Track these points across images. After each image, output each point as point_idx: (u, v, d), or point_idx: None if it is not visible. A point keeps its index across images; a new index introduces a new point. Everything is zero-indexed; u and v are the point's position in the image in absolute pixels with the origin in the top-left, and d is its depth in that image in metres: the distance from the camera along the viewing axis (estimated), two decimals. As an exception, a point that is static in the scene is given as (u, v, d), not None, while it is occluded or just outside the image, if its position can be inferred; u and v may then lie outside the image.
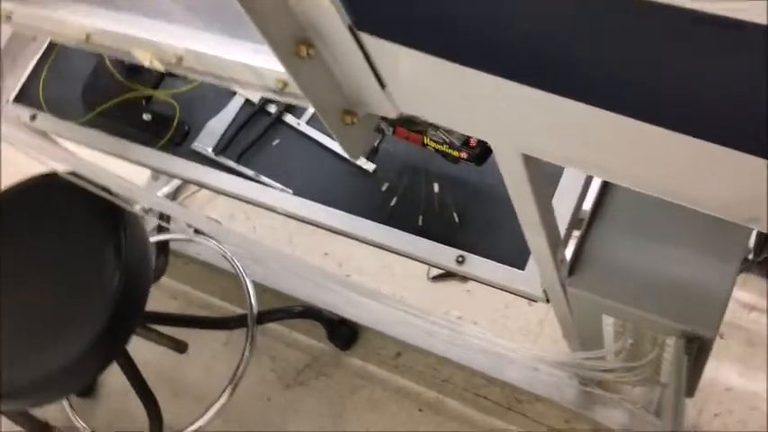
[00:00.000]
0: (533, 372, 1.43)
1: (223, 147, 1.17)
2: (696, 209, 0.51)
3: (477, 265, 0.99)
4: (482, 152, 0.97)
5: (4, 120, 1.25)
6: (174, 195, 1.91)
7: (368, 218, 1.05)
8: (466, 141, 0.97)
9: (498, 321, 1.59)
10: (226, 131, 1.18)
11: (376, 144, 1.10)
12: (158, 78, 1.25)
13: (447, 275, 1.67)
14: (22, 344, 1.18)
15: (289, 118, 1.17)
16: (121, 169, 1.20)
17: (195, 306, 1.85)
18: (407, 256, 1.04)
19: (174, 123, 1.20)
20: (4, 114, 1.29)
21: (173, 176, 1.19)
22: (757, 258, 1.29)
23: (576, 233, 0.92)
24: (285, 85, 0.62)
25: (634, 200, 0.90)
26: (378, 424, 1.59)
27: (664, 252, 0.85)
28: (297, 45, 0.50)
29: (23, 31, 1.20)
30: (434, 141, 0.99)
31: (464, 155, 0.97)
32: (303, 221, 1.10)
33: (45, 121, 1.29)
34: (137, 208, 1.69)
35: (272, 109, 1.18)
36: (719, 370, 1.41)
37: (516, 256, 0.97)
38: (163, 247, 1.64)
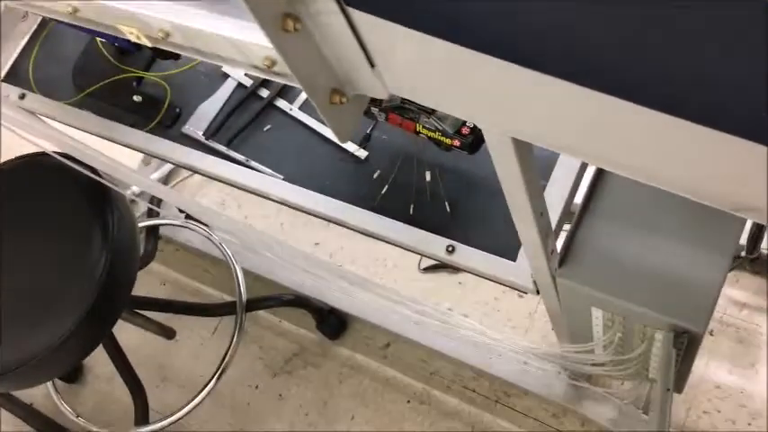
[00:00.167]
0: (522, 366, 1.43)
1: (214, 131, 1.15)
2: (692, 199, 0.50)
3: (467, 255, 0.98)
4: (475, 140, 0.96)
5: (-7, 98, 1.24)
6: (165, 181, 1.89)
7: (358, 205, 1.04)
8: (459, 129, 0.96)
9: (488, 314, 1.59)
10: (217, 115, 1.17)
11: (368, 131, 1.09)
12: (149, 60, 1.24)
13: (438, 267, 1.66)
14: (6, 325, 1.17)
15: (281, 103, 1.15)
16: (113, 153, 1.19)
17: (185, 293, 1.84)
18: (397, 245, 1.03)
19: (165, 106, 1.19)
20: (-8, 93, 1.28)
21: (162, 159, 1.18)
22: (749, 256, 1.28)
23: (567, 227, 0.91)
24: (273, 63, 0.61)
25: (626, 193, 0.89)
26: (364, 414, 1.59)
27: (655, 245, 0.84)
28: (284, 19, 0.49)
29: (13, 5, 1.19)
30: (427, 129, 0.98)
31: (457, 143, 0.96)
32: (293, 208, 1.09)
33: (34, 100, 1.27)
34: (128, 192, 1.68)
35: (264, 93, 1.16)
36: (709, 367, 1.41)
37: (507, 247, 0.96)
38: (153, 231, 1.62)
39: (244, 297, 1.50)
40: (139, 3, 0.65)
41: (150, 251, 1.58)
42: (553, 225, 0.88)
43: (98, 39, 1.24)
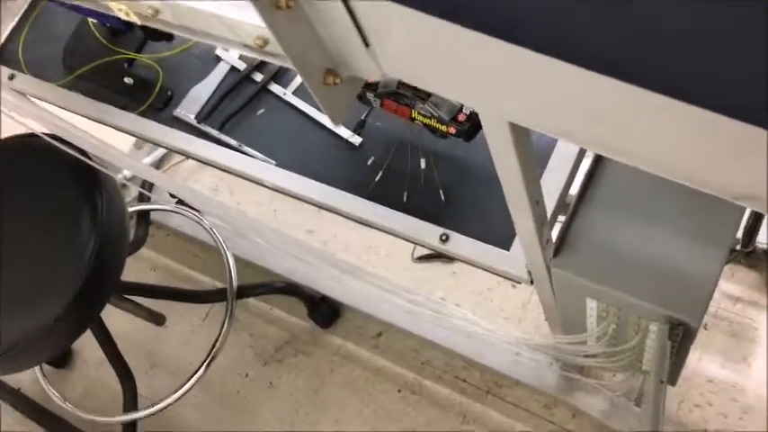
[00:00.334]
0: (514, 356, 1.42)
1: (206, 114, 1.14)
2: (691, 186, 0.49)
3: (461, 244, 0.96)
4: (471, 128, 0.95)
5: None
6: (156, 165, 1.87)
7: (352, 192, 1.03)
8: (455, 116, 0.95)
9: (481, 304, 1.58)
10: (209, 99, 1.15)
11: (363, 117, 1.08)
12: (141, 42, 1.22)
13: (432, 256, 1.65)
14: (-7, 308, 1.15)
15: (275, 87, 1.14)
16: (105, 136, 1.17)
17: (175, 279, 1.82)
18: (390, 233, 1.01)
19: (157, 89, 1.17)
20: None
21: (152, 143, 1.16)
22: (745, 249, 1.28)
23: (562, 218, 0.90)
24: (265, 42, 0.59)
25: (623, 183, 0.88)
26: (355, 403, 1.58)
27: (651, 236, 0.83)
28: (277, -5, 0.47)
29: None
30: (422, 115, 0.96)
31: (452, 130, 0.95)
32: (285, 194, 1.08)
33: (24, 81, 1.25)
34: (119, 176, 1.67)
35: (258, 77, 1.15)
36: (702, 361, 1.40)
37: (501, 236, 0.95)
38: (143, 216, 1.61)
39: (235, 284, 1.49)
40: (129, -21, 0.63)
41: (141, 236, 1.56)
42: (549, 214, 0.87)
43: (89, 19, 1.22)
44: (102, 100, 1.19)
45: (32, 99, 1.25)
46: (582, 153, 0.96)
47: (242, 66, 1.16)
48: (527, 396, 1.48)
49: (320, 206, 1.05)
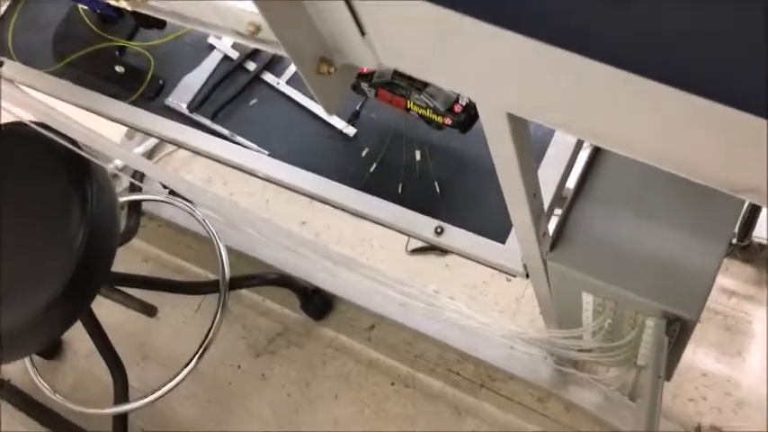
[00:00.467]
0: (508, 350, 1.42)
1: (198, 104, 1.12)
2: (690, 178, 0.48)
3: (456, 236, 0.95)
4: (467, 119, 0.94)
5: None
6: (148, 155, 1.86)
7: (346, 183, 1.02)
8: (450, 107, 0.93)
9: (475, 297, 1.57)
10: (202, 88, 1.14)
11: (358, 108, 1.06)
12: (133, 29, 1.20)
13: (426, 249, 1.64)
14: (-19, 299, 1.13)
15: (268, 77, 1.12)
16: (96, 126, 1.16)
17: (167, 270, 1.81)
18: (385, 225, 1.00)
19: (148, 77, 1.15)
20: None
21: (143, 132, 1.15)
22: (740, 243, 1.27)
23: (559, 211, 0.89)
24: (257, 29, 0.58)
25: (621, 176, 0.87)
26: (348, 396, 1.57)
27: (649, 230, 0.82)
28: (270, -20, 0.46)
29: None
30: (418, 106, 0.95)
31: (448, 121, 0.94)
32: (278, 185, 1.06)
33: (13, 69, 1.23)
34: (110, 166, 1.65)
35: (251, 66, 1.13)
36: (696, 355, 1.40)
37: (497, 229, 0.94)
38: (135, 207, 1.59)
39: (227, 275, 1.48)
40: (118, -37, 0.62)
41: (132, 227, 1.54)
42: (546, 206, 0.86)
43: (80, 6, 1.20)
44: (92, 88, 1.17)
45: (21, 87, 1.23)
46: (579, 146, 0.95)
47: (235, 54, 1.14)
48: (521, 390, 1.47)
49: (313, 197, 1.04)
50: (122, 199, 1.66)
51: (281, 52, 0.54)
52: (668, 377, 1.00)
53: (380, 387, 1.56)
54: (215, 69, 1.15)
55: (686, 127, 0.43)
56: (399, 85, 0.94)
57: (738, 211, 0.82)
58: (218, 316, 1.44)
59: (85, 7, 1.20)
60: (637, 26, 0.39)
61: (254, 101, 1.11)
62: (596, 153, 0.88)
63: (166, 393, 1.43)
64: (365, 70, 0.97)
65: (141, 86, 1.15)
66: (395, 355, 1.58)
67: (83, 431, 1.57)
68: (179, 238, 1.82)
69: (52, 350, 1.74)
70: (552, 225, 0.86)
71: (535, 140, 0.96)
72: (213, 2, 0.57)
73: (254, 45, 0.60)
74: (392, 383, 1.56)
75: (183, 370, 1.43)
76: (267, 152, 1.06)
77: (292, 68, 1.12)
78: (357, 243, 1.70)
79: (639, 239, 0.81)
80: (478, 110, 0.56)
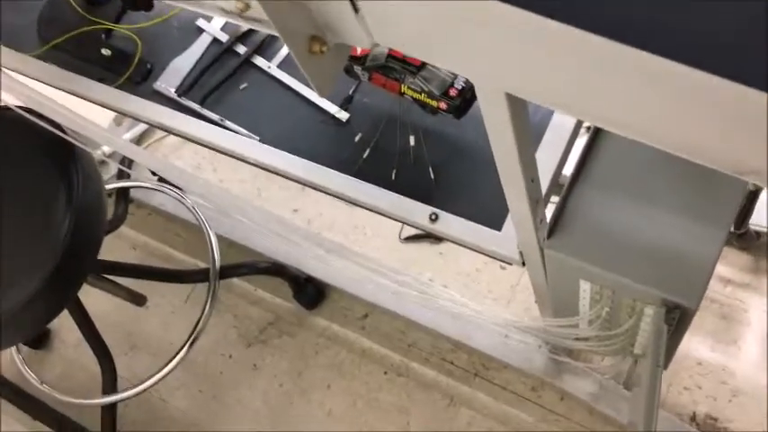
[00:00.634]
0: (502, 338, 1.40)
1: (187, 88, 1.10)
2: (689, 158, 0.46)
3: (451, 223, 0.93)
4: (462, 103, 0.92)
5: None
6: (137, 141, 1.83)
7: (338, 170, 0.99)
8: (446, 91, 0.91)
9: (469, 285, 1.55)
10: (191, 72, 1.11)
11: (351, 92, 1.04)
12: (120, 11, 1.17)
13: (419, 236, 1.62)
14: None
15: (259, 60, 1.10)
16: (83, 111, 1.13)
17: (156, 258, 1.78)
18: (378, 212, 0.98)
19: (135, 61, 1.13)
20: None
21: (131, 117, 1.12)
22: (737, 231, 1.26)
23: (556, 198, 0.87)
24: (246, 6, 0.55)
25: (619, 162, 0.85)
26: (340, 385, 1.56)
27: (648, 217, 0.81)
28: (259, -48, 0.43)
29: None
30: (412, 90, 0.93)
31: (443, 105, 0.92)
32: (269, 171, 1.04)
33: (-4, 52, 1.20)
34: (98, 152, 1.62)
35: (242, 50, 1.11)
36: (691, 343, 1.39)
37: (493, 216, 0.92)
38: (123, 194, 1.56)
39: (217, 264, 1.46)
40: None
41: (120, 214, 1.52)
42: (543, 192, 0.84)
43: (64, -14, 1.17)
44: (78, 72, 1.15)
45: (5, 71, 1.20)
46: (576, 130, 0.93)
47: (224, 37, 1.12)
48: (515, 379, 1.46)
49: (305, 184, 1.02)
50: (110, 186, 1.63)
51: (271, 31, 0.52)
52: (665, 366, 0.98)
53: (373, 376, 1.55)
54: (204, 53, 1.12)
55: (690, 105, 0.41)
56: (393, 68, 0.92)
57: (739, 198, 0.81)
58: (207, 305, 1.42)
59: (71, -11, 1.17)
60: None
61: (244, 85, 1.09)
62: (595, 138, 0.86)
63: (156, 383, 1.41)
64: (359, 53, 0.95)
65: (128, 70, 1.12)
66: (388, 345, 1.57)
67: (70, 421, 1.55)
68: (168, 226, 1.79)
69: (40, 340, 1.72)
70: (549, 212, 0.84)
71: (532, 125, 0.94)
72: (199, -24, 0.55)
73: (242, 24, 0.58)
74: (385, 372, 1.55)
75: (172, 359, 1.41)
76: (258, 138, 1.04)
77: (284, 52, 1.10)
78: (350, 231, 1.68)
79: (638, 226, 0.80)
80: (476, 91, 0.54)
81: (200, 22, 1.14)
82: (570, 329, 0.98)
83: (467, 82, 0.91)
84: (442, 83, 0.91)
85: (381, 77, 0.94)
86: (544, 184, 0.87)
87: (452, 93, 0.91)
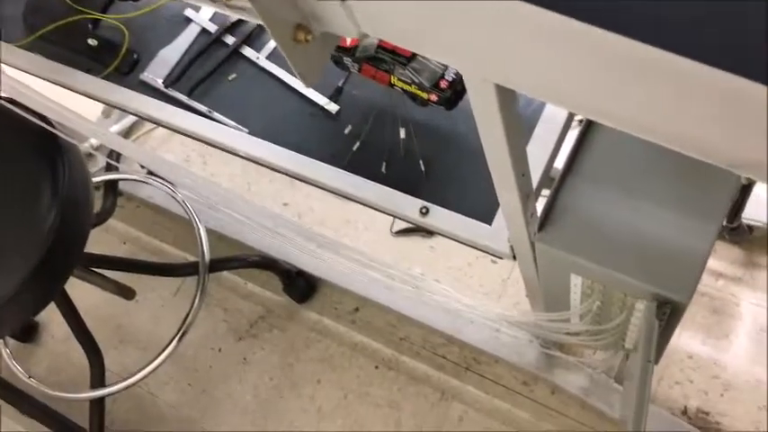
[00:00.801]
0: (493, 332, 1.40)
1: (174, 79, 1.08)
2: (685, 152, 0.45)
3: (441, 217, 0.92)
4: (453, 95, 0.91)
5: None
6: (125, 135, 1.81)
7: (328, 162, 0.98)
8: (436, 82, 0.90)
9: (461, 279, 1.55)
10: (178, 62, 1.10)
11: (340, 84, 1.03)
12: (107, 1, 1.15)
13: (410, 230, 1.61)
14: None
15: (247, 51, 1.08)
16: (72, 103, 1.11)
17: (146, 252, 1.77)
18: (368, 205, 0.97)
19: (123, 51, 1.11)
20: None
21: (117, 108, 1.10)
22: (729, 225, 1.25)
23: (547, 192, 0.86)
24: (231, -7, 0.54)
25: (611, 155, 0.84)
26: (331, 379, 1.55)
27: (639, 211, 0.80)
28: (240, -63, 0.42)
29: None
30: (402, 81, 0.92)
31: (433, 97, 0.91)
32: (258, 163, 1.03)
33: (-19, 42, 1.18)
34: (86, 145, 1.60)
35: (230, 40, 1.09)
36: (682, 337, 1.39)
37: (483, 209, 0.91)
38: (111, 187, 1.55)
39: (207, 257, 1.44)
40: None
41: (109, 207, 1.50)
42: (533, 186, 0.84)
43: (50, -24, 1.15)
44: (64, 62, 1.13)
45: (-10, 61, 1.19)
46: (568, 124, 0.92)
47: (213, 28, 1.10)
48: (506, 373, 1.46)
49: (294, 177, 1.01)
50: (98, 178, 1.61)
51: (255, 19, 0.51)
52: (656, 360, 0.98)
53: (364, 370, 1.54)
54: (192, 43, 1.11)
55: (682, 96, 0.40)
56: (383, 59, 0.91)
57: (731, 192, 0.80)
58: (197, 299, 1.41)
59: (57, -22, 1.15)
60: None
61: (232, 76, 1.08)
62: (586, 131, 0.85)
63: (144, 378, 1.40)
64: (348, 44, 0.93)
65: (115, 61, 1.11)
66: (379, 338, 1.56)
67: (59, 415, 1.53)
68: (157, 219, 1.78)
69: (28, 333, 1.71)
70: (540, 206, 0.83)
71: (523, 118, 0.93)
72: (181, -37, 0.53)
73: (227, 12, 0.57)
74: (376, 366, 1.54)
75: (161, 353, 1.40)
76: (246, 130, 1.03)
77: (273, 43, 1.09)
78: (341, 225, 1.67)
79: (630, 220, 0.79)
80: (465, 81, 0.53)
81: (189, 13, 1.12)
82: (561, 324, 0.97)
83: (458, 73, 0.90)
84: (433, 74, 0.90)
85: (371, 69, 0.93)
86: (535, 177, 0.86)
87: (443, 84, 0.90)
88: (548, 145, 0.90)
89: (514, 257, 0.90)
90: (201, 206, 1.52)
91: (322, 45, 0.55)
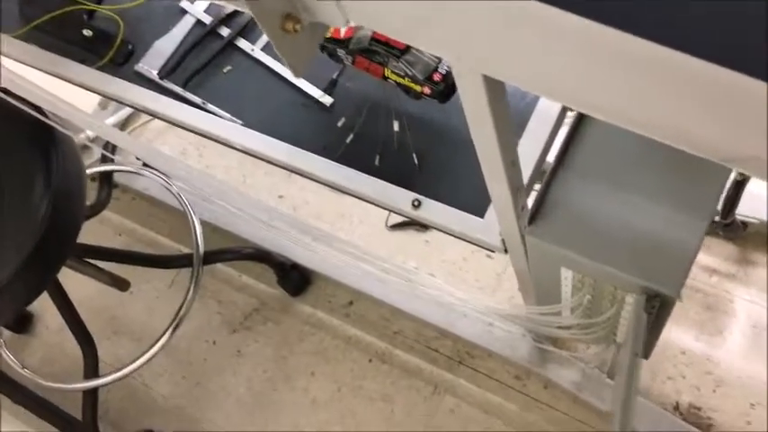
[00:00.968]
0: (487, 326, 1.40)
1: (169, 70, 1.08)
2: (679, 147, 0.45)
3: (433, 210, 0.93)
4: (446, 88, 0.91)
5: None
6: (121, 127, 1.81)
7: (321, 154, 0.98)
8: (429, 75, 0.90)
9: (455, 274, 1.55)
10: (173, 54, 1.10)
11: (335, 76, 1.03)
12: (102, -8, 1.15)
13: (406, 224, 1.61)
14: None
15: (242, 43, 1.08)
16: (69, 94, 1.11)
17: (141, 243, 1.77)
18: (361, 198, 0.97)
19: (118, 42, 1.11)
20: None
21: (111, 98, 1.10)
22: (723, 221, 1.25)
23: (539, 186, 0.87)
24: (220, -18, 0.54)
25: (603, 149, 0.84)
26: (325, 372, 1.55)
27: (630, 204, 0.80)
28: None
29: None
30: (396, 74, 0.92)
31: (427, 90, 0.91)
32: (251, 155, 1.03)
33: (-24, 32, 1.18)
34: (81, 136, 1.60)
35: (225, 32, 1.09)
36: (675, 333, 1.39)
37: (476, 203, 0.91)
38: (106, 178, 1.55)
39: (201, 249, 1.44)
40: None
41: (104, 198, 1.51)
42: (525, 180, 0.84)
43: (46, -34, 1.15)
44: (59, 53, 1.13)
45: (-15, 51, 1.18)
46: (561, 118, 0.92)
47: (208, 19, 1.10)
48: (499, 367, 1.46)
49: (288, 168, 1.01)
50: (94, 170, 1.61)
51: (242, 7, 0.51)
52: (646, 355, 0.98)
53: (358, 364, 1.54)
54: (187, 35, 1.11)
55: (675, 90, 0.40)
56: (377, 51, 0.91)
57: (722, 187, 0.80)
58: (190, 290, 1.41)
59: (52, -32, 1.15)
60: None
61: (227, 68, 1.08)
62: (578, 125, 0.85)
63: (138, 369, 1.40)
64: (342, 36, 0.93)
65: (110, 51, 1.10)
66: (373, 332, 1.56)
67: (52, 406, 1.54)
68: (153, 211, 1.78)
69: (23, 324, 1.71)
70: (532, 200, 0.83)
71: (516, 113, 0.93)
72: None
73: (219, 2, 0.57)
74: (370, 360, 1.54)
75: (154, 345, 1.40)
76: (241, 122, 1.03)
77: (267, 35, 1.08)
78: (336, 218, 1.67)
79: (620, 214, 0.79)
80: (452, 72, 0.53)
81: (184, 4, 1.12)
82: (552, 317, 0.97)
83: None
84: (426, 67, 0.90)
85: (365, 61, 0.93)
86: (528, 171, 0.86)
87: (436, 77, 0.90)
88: (540, 139, 0.90)
89: (506, 251, 0.90)
90: (196, 198, 1.52)
91: (311, 35, 0.55)
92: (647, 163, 0.82)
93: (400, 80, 0.92)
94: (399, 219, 1.60)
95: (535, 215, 0.82)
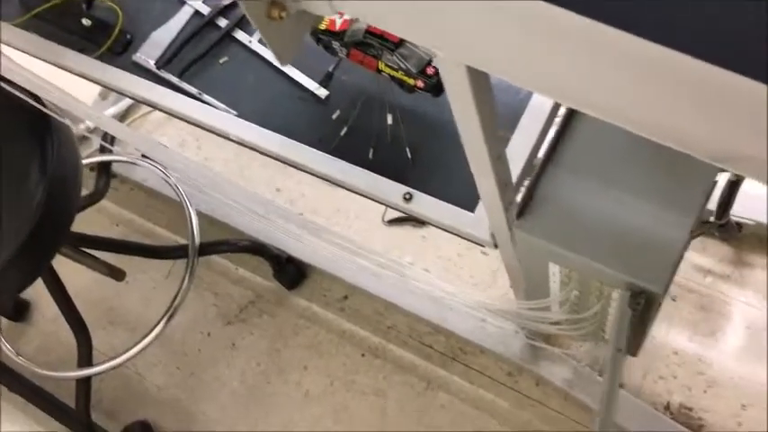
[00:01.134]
0: (480, 323, 1.40)
1: (166, 60, 1.09)
2: (669, 145, 0.45)
3: (424, 203, 0.93)
4: (439, 82, 0.91)
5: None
6: (121, 117, 1.82)
7: (315, 147, 0.99)
8: (423, 69, 0.90)
9: (450, 270, 1.55)
10: (171, 44, 1.10)
11: (330, 69, 1.03)
12: (101, -19, 1.16)
13: (402, 219, 1.62)
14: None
15: (239, 34, 1.09)
16: (69, 85, 1.12)
17: (139, 234, 1.78)
18: (353, 190, 0.98)
19: (116, 31, 1.12)
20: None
21: (109, 88, 1.11)
22: (718, 221, 1.25)
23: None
24: (208, -31, 0.55)
25: (592, 146, 0.85)
26: (318, 366, 1.55)
27: (617, 201, 0.80)
28: None
29: None
30: (390, 67, 0.92)
31: (420, 84, 0.91)
32: (245, 146, 1.03)
33: (-24, 19, 1.18)
34: (81, 127, 1.61)
35: (223, 23, 1.10)
36: (669, 333, 1.39)
37: (467, 197, 0.91)
38: (104, 168, 1.55)
39: (196, 240, 1.45)
40: None
41: (102, 188, 1.51)
42: (516, 176, 0.84)
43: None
44: (58, 42, 1.13)
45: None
46: (553, 115, 0.92)
47: (206, 10, 1.11)
48: (491, 363, 1.46)
49: (281, 160, 1.01)
50: (91, 159, 1.62)
51: (230, -6, 0.51)
52: (634, 352, 0.98)
53: (351, 358, 1.55)
54: (185, 25, 1.11)
55: (675, 93, 0.40)
56: (371, 44, 0.92)
57: (710, 185, 0.80)
58: (185, 281, 1.42)
59: (53, -43, 1.16)
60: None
61: (224, 59, 1.08)
62: (568, 121, 0.86)
63: (131, 358, 1.41)
64: (337, 28, 0.94)
65: (108, 41, 1.11)
66: (367, 326, 1.57)
67: (47, 394, 1.54)
68: (151, 202, 1.78)
69: (19, 312, 1.72)
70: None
71: (509, 109, 0.94)
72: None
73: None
74: (363, 354, 1.55)
75: (148, 334, 1.40)
76: (236, 112, 1.03)
77: (265, 26, 1.09)
78: (332, 212, 1.67)
79: (607, 210, 0.79)
80: (436, 62, 0.53)
81: (182, -5, 1.13)
82: (541, 312, 0.98)
83: (444, 60, 0.90)
84: (420, 61, 0.90)
85: (359, 54, 0.93)
86: (519, 167, 0.86)
87: (430, 71, 0.90)
88: (532, 135, 0.90)
89: (496, 245, 0.90)
90: (193, 190, 1.53)
91: (297, 23, 0.55)
92: (635, 160, 0.82)
93: (394, 73, 0.92)
94: (396, 214, 1.60)
95: (523, 210, 0.82)
